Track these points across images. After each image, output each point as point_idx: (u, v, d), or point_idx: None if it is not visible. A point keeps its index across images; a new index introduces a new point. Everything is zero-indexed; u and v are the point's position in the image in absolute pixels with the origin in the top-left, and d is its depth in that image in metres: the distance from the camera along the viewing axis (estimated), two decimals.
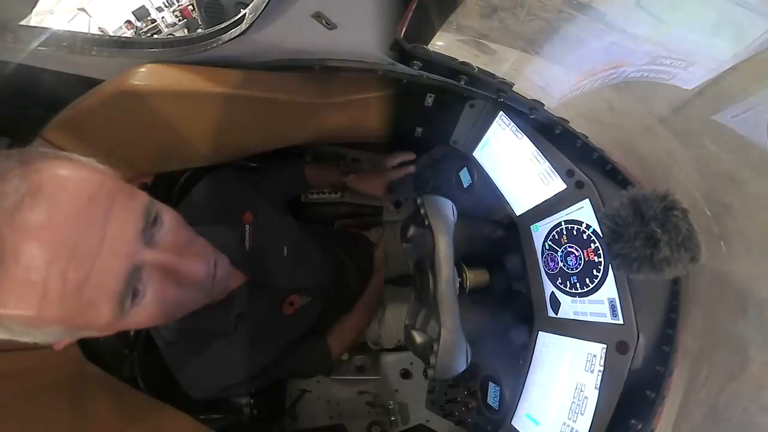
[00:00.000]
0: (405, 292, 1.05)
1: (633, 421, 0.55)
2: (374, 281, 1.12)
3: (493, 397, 0.79)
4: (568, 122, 0.70)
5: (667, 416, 0.57)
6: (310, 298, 0.84)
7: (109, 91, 0.63)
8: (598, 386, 0.57)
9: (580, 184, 0.66)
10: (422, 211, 0.74)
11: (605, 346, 0.58)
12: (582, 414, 0.58)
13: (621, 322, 0.57)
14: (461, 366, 0.66)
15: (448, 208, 0.76)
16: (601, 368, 0.57)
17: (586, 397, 0.58)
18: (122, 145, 0.76)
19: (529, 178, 0.75)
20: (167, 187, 0.91)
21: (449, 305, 0.67)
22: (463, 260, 0.80)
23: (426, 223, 0.72)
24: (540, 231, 0.74)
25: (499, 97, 0.70)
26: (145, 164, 0.84)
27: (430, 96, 0.82)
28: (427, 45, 0.63)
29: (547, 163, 0.71)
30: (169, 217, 0.52)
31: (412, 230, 0.84)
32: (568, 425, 0.59)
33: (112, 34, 5.05)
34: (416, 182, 1.25)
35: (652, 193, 0.55)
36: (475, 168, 0.91)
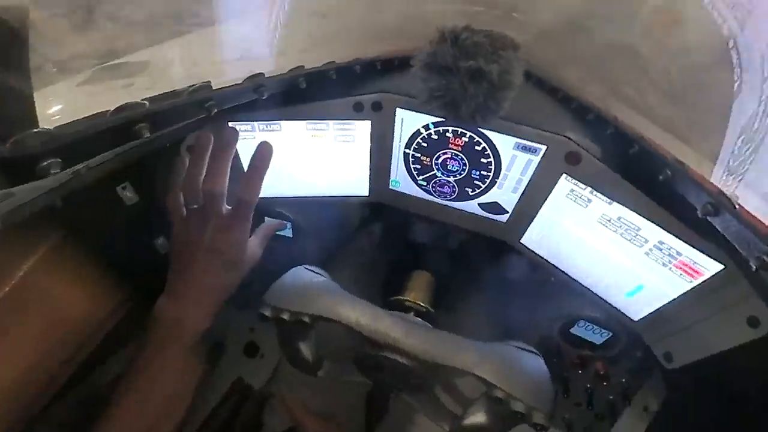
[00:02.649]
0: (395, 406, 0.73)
1: None
2: None
3: (590, 333, 0.63)
4: None
5: None
6: None
7: None
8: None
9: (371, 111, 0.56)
10: (282, 316, 0.47)
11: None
12: None
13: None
14: (545, 376, 0.47)
15: (301, 275, 0.52)
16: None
17: None
18: None
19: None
20: None
21: (447, 349, 0.45)
22: (384, 296, 0.60)
23: (304, 319, 0.47)
24: (401, 186, 0.63)
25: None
26: None
27: None
28: None
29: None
30: None
31: (303, 347, 0.55)
32: None
33: None
34: None
35: None
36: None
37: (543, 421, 0.40)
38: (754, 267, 0.34)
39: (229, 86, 0.48)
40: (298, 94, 0.54)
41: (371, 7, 0.69)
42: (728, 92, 0.48)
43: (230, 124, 0.54)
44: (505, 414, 0.41)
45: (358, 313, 0.46)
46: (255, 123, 0.55)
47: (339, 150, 0.60)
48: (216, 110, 0.46)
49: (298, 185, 0.64)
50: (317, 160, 0.61)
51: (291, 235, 0.69)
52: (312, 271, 0.52)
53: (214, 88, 0.47)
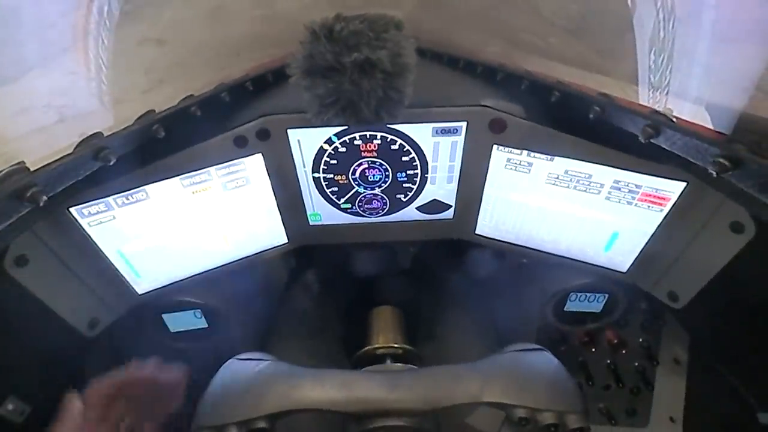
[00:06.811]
0: None
1: None
2: None
3: (586, 303, 0.61)
4: None
5: None
6: None
7: None
8: None
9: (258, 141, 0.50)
10: None
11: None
12: None
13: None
14: (559, 371, 0.44)
15: (236, 369, 0.44)
16: None
17: None
18: None
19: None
20: None
21: (444, 386, 0.40)
22: (349, 355, 0.54)
23: (259, 426, 0.39)
24: (324, 218, 0.58)
25: None
26: None
27: None
28: None
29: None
30: None
31: None
32: None
33: None
34: None
35: None
36: None
37: (581, 423, 0.36)
38: (714, 173, 0.35)
39: (56, 161, 0.40)
40: (158, 146, 0.46)
41: (213, 19, 0.63)
42: (625, 10, 0.51)
43: (72, 209, 0.44)
44: None
45: (326, 388, 0.40)
46: (108, 198, 0.45)
47: (233, 199, 0.52)
48: (46, 197, 0.37)
49: (196, 259, 0.55)
50: (209, 220, 0.52)
51: (206, 324, 0.59)
52: (249, 359, 0.44)
53: (32, 169, 0.38)
